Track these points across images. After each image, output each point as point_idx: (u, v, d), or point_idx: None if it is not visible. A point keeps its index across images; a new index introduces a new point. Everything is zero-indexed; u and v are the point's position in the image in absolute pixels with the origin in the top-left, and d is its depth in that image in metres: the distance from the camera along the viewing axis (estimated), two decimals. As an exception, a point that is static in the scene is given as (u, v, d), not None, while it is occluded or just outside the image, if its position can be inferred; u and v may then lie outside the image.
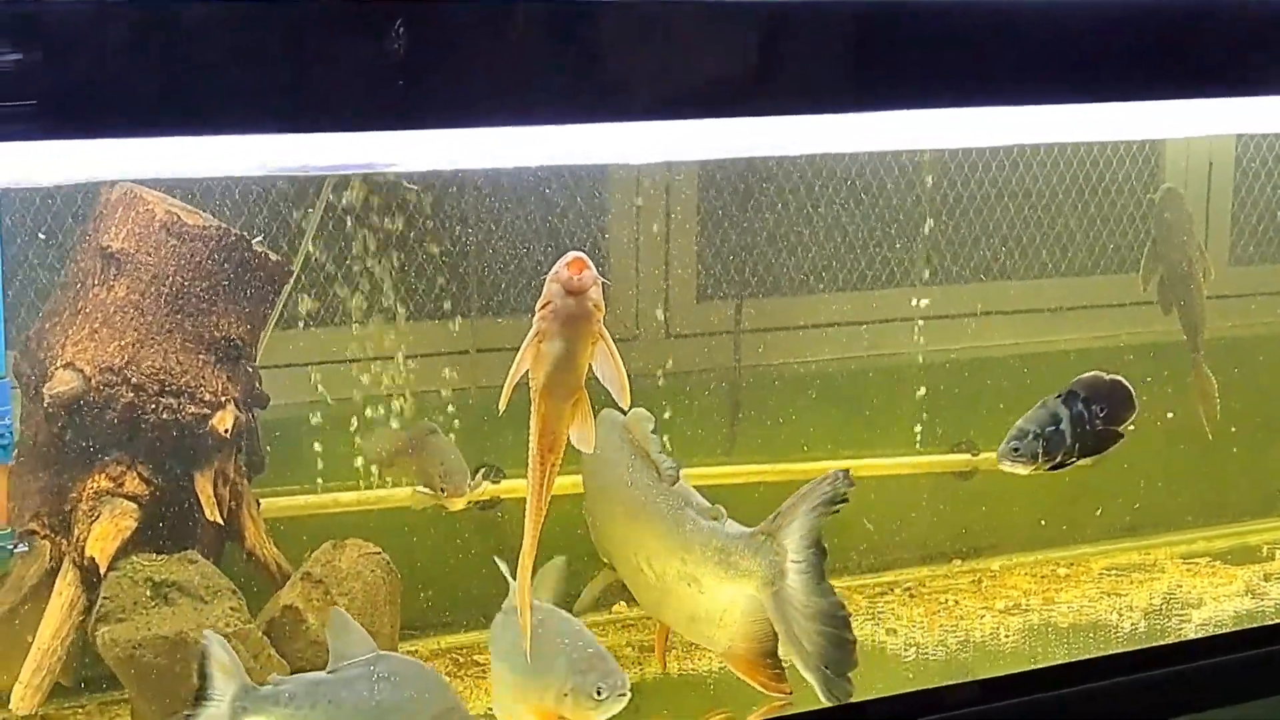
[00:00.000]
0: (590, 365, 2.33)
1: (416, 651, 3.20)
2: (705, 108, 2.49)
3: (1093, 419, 3.00)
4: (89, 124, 2.05)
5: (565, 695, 2.48)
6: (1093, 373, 3.07)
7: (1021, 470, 3.02)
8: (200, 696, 2.40)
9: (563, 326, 2.27)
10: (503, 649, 2.60)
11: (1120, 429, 3.05)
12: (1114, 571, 3.83)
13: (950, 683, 3.02)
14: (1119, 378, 3.06)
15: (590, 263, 2.27)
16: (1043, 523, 3.81)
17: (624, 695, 2.50)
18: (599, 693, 2.48)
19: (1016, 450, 3.02)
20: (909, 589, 3.68)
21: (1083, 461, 3.07)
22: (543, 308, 2.27)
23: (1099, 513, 3.74)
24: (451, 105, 2.29)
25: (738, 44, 2.45)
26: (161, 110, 2.07)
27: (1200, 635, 3.35)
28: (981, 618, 3.54)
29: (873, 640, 3.39)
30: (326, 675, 2.44)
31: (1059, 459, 3.03)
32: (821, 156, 3.63)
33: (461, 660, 3.21)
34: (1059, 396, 3.03)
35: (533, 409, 2.32)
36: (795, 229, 3.70)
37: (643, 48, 2.36)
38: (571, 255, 2.27)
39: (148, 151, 2.20)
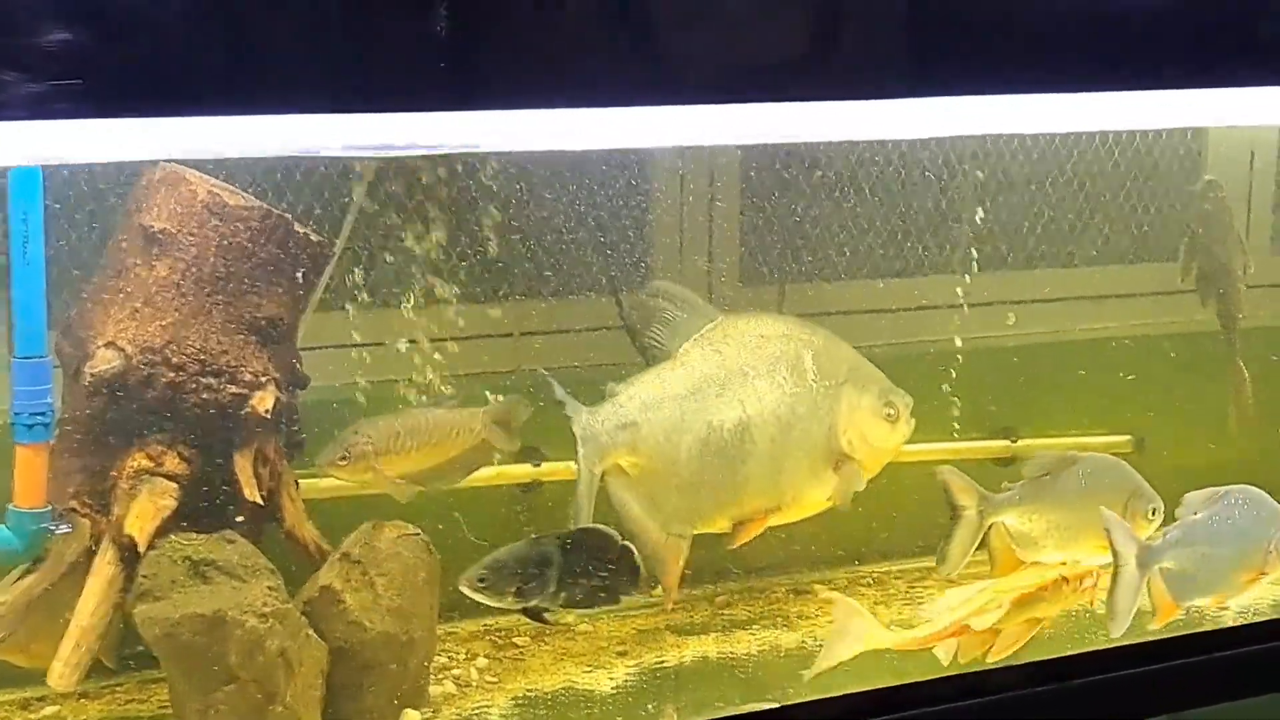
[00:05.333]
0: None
1: (456, 633, 3.07)
2: (749, 93, 2.39)
3: (590, 576, 2.70)
4: (132, 103, 1.96)
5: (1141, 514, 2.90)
6: (607, 530, 2.78)
7: (488, 601, 2.70)
8: (954, 513, 2.92)
9: None
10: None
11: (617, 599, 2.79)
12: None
13: (991, 667, 2.87)
14: (629, 544, 2.78)
15: None
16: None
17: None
18: (1153, 512, 2.90)
19: (483, 582, 2.68)
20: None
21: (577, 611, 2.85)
22: None
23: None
24: (494, 87, 2.20)
25: (781, 31, 2.35)
26: (205, 90, 1.98)
27: (1239, 624, 3.19)
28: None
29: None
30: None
31: (533, 605, 2.70)
32: (865, 143, 3.48)
33: (500, 642, 3.08)
34: (559, 538, 2.73)
35: None
36: (839, 214, 3.55)
37: (688, 32, 2.27)
38: None
39: (190, 131, 2.11)
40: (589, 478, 2.85)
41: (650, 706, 2.83)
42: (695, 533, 3.00)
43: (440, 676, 2.91)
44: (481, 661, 2.99)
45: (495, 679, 2.95)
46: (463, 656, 3.01)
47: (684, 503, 2.96)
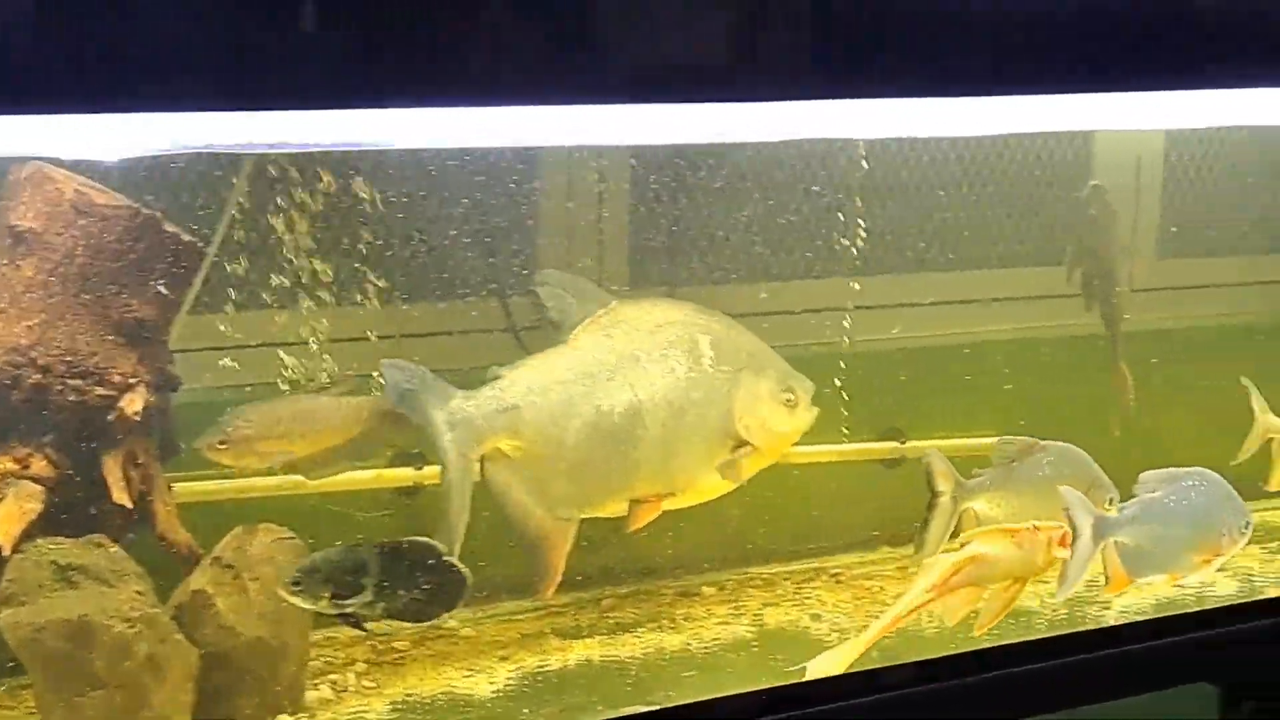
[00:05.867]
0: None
1: (336, 638, 3.03)
2: (642, 94, 2.37)
3: (411, 588, 2.67)
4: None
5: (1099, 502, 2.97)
6: (430, 542, 2.73)
7: (303, 604, 2.64)
8: (932, 497, 3.04)
9: None
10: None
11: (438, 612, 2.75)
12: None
13: (874, 667, 2.86)
14: (455, 562, 2.73)
15: None
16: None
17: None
18: (1110, 501, 3.00)
19: (296, 585, 2.62)
20: (836, 575, 3.53)
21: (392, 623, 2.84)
22: None
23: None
24: (366, 85, 2.18)
25: (678, 32, 2.34)
26: (71, 87, 1.94)
27: (1121, 622, 3.20)
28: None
29: (797, 625, 3.25)
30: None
31: (349, 613, 2.66)
32: (754, 144, 3.46)
33: (380, 647, 3.04)
34: (379, 548, 2.67)
35: None
36: (729, 216, 3.54)
37: (582, 31, 2.25)
38: None
39: (60, 129, 2.07)
40: (461, 463, 2.82)
41: (527, 710, 2.80)
42: (584, 516, 3.00)
43: (317, 681, 2.86)
44: (360, 666, 2.95)
45: (374, 684, 2.90)
46: (341, 661, 2.97)
47: (571, 486, 2.95)
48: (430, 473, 3.13)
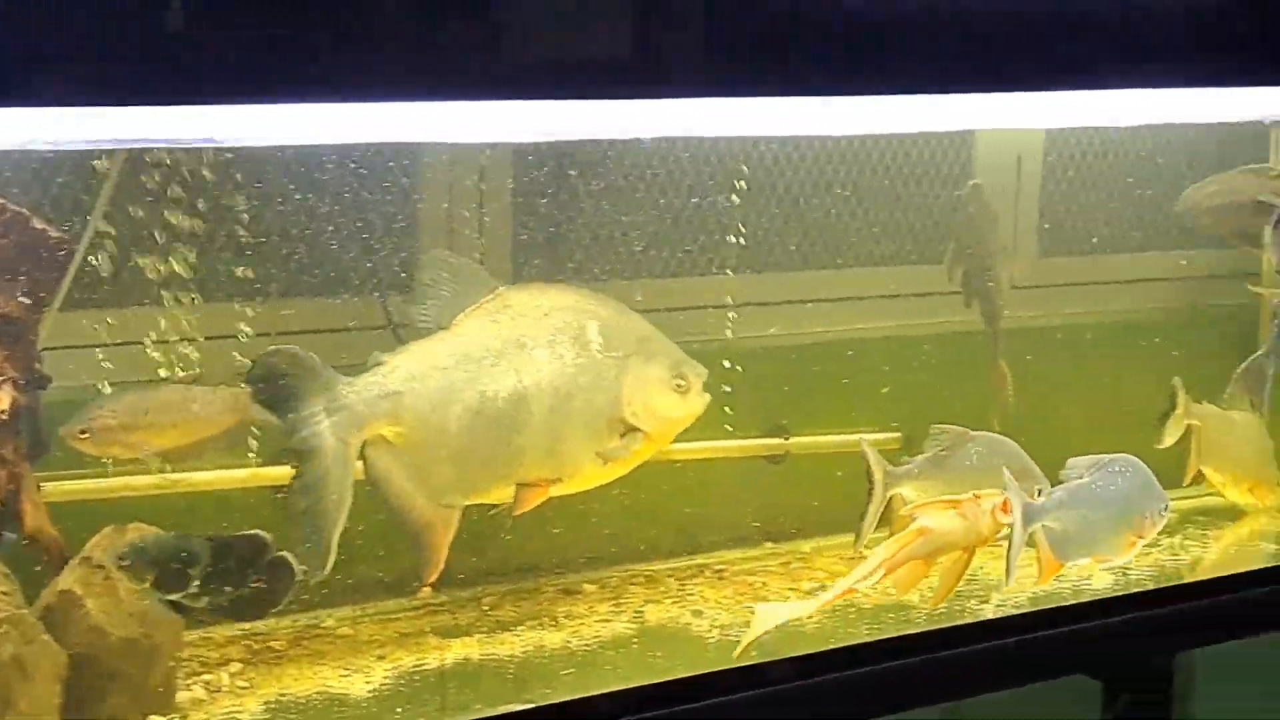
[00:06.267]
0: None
1: (212, 638, 3.00)
2: (522, 90, 2.38)
3: (243, 581, 2.68)
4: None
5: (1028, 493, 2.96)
6: (262, 536, 2.73)
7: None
8: (870, 486, 3.10)
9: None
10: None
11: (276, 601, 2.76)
12: (919, 555, 3.73)
13: (752, 663, 2.88)
14: (285, 554, 2.73)
15: None
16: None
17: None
18: (1039, 491, 3.01)
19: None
20: (719, 571, 3.54)
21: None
22: None
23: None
24: (241, 80, 2.17)
25: (559, 26, 2.35)
26: None
27: (998, 616, 3.24)
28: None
29: (678, 622, 3.26)
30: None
31: (173, 600, 2.64)
32: (631, 141, 3.47)
33: (256, 648, 3.01)
34: (210, 538, 2.66)
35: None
36: (612, 215, 3.54)
37: (465, 26, 2.26)
38: None
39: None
40: (341, 449, 2.81)
41: (401, 709, 2.79)
42: (468, 504, 3.00)
43: (190, 681, 2.84)
44: (234, 666, 2.93)
45: (248, 684, 2.88)
46: (215, 661, 2.94)
47: (455, 473, 2.95)
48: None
